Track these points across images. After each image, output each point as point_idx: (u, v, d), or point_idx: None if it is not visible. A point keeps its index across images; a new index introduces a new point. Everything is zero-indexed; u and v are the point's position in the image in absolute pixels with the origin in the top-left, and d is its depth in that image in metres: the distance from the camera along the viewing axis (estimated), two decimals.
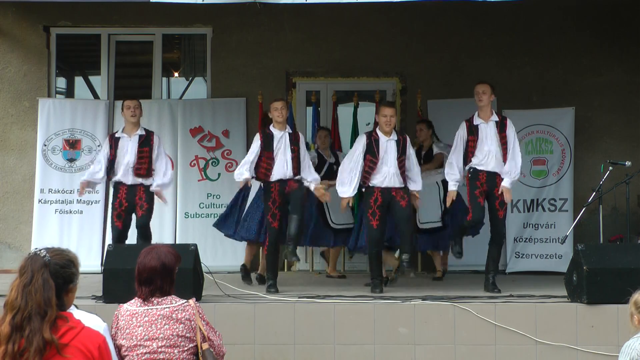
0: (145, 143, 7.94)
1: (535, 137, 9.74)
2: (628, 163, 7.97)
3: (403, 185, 7.46)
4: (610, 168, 7.78)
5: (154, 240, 7.92)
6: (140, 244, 7.31)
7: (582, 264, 6.38)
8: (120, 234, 7.87)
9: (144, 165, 7.88)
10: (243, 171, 7.50)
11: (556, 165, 9.66)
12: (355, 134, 9.56)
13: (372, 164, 7.39)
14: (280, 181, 7.54)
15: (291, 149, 7.57)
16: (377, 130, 7.53)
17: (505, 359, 6.34)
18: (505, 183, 7.39)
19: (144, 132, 8.01)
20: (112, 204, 8.01)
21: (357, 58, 10.11)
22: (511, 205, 9.51)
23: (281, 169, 7.54)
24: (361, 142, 7.53)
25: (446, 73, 10.02)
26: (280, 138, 7.60)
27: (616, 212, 9.30)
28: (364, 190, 7.54)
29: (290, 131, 7.68)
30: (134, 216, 7.94)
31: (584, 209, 7.92)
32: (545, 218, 9.58)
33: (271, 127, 7.66)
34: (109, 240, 9.26)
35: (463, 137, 7.55)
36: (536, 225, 9.59)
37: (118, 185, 7.92)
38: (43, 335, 2.61)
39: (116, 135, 8.03)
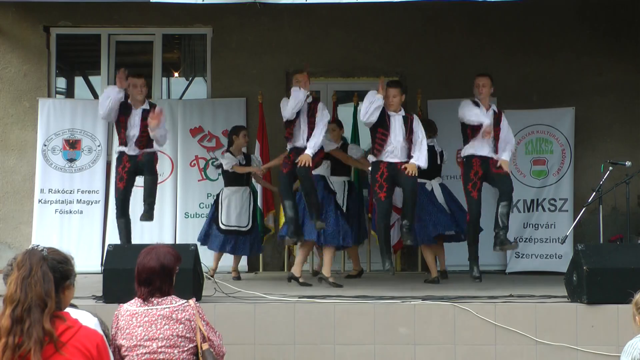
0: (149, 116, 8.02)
1: (535, 137, 9.74)
2: (628, 163, 7.96)
3: (404, 159, 7.57)
4: (610, 168, 7.78)
5: (153, 240, 7.93)
6: (141, 244, 7.31)
7: (582, 264, 6.38)
8: (123, 197, 7.95)
9: (145, 137, 8.00)
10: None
11: (556, 165, 9.66)
12: (355, 134, 9.58)
13: (383, 136, 7.53)
14: (295, 149, 7.72)
15: (308, 120, 7.70)
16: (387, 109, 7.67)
17: (505, 359, 6.34)
18: (505, 157, 7.67)
19: (147, 107, 8.08)
20: (116, 170, 8.07)
21: (357, 58, 10.11)
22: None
23: (299, 137, 7.75)
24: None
25: (446, 73, 10.01)
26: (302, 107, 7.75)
27: (616, 212, 9.30)
28: (369, 169, 7.67)
29: (310, 100, 7.79)
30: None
31: (584, 209, 7.92)
32: (545, 218, 9.58)
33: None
34: (109, 240, 9.28)
35: (472, 107, 7.70)
36: (536, 225, 9.59)
37: (122, 155, 8.02)
38: (43, 326, 2.62)
39: (128, 101, 8.03)
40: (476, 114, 7.63)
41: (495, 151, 7.77)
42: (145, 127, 7.95)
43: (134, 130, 7.98)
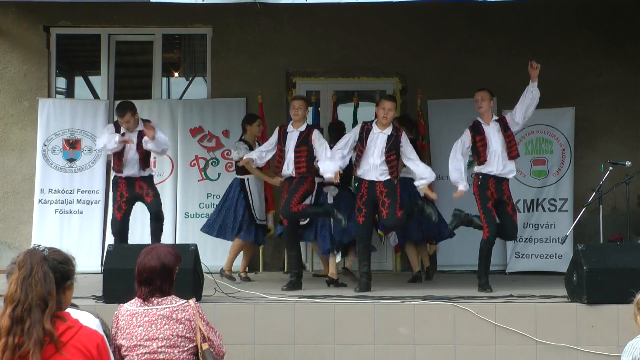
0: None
1: (535, 137, 9.74)
2: (628, 163, 7.96)
3: (389, 179, 7.50)
4: (610, 168, 7.78)
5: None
6: (141, 245, 7.31)
7: (582, 264, 6.38)
8: (120, 228, 7.96)
9: (148, 156, 8.06)
10: (253, 155, 7.87)
11: (556, 165, 9.65)
12: None
13: (359, 152, 7.58)
14: (289, 178, 7.74)
15: (296, 149, 7.66)
16: (374, 123, 7.65)
17: (505, 359, 6.34)
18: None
19: (141, 127, 8.05)
20: (113, 197, 8.12)
21: (357, 58, 10.11)
22: None
23: (286, 167, 7.74)
24: (355, 129, 7.76)
25: (446, 73, 10.01)
26: (291, 136, 7.77)
27: (616, 212, 9.30)
28: (356, 185, 7.72)
29: (303, 129, 7.75)
30: (133, 213, 8.16)
31: (584, 209, 7.92)
32: (545, 218, 9.57)
33: (289, 124, 7.90)
34: (109, 240, 9.28)
35: (465, 143, 7.59)
36: (536, 225, 9.59)
37: (117, 179, 8.03)
38: (43, 326, 2.62)
39: (122, 131, 8.04)
40: (452, 170, 7.56)
41: (509, 158, 7.54)
42: (141, 148, 7.95)
43: (131, 152, 7.96)
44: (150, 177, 8.19)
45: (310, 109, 9.91)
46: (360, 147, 7.55)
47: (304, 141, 7.70)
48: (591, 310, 6.34)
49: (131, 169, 7.98)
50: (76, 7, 9.92)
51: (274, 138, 7.92)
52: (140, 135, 7.98)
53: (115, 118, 8.22)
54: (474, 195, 7.59)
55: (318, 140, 7.75)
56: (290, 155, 7.69)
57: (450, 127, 9.14)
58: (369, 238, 7.66)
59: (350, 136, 7.67)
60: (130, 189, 7.97)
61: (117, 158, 7.99)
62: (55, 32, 10.30)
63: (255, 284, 8.17)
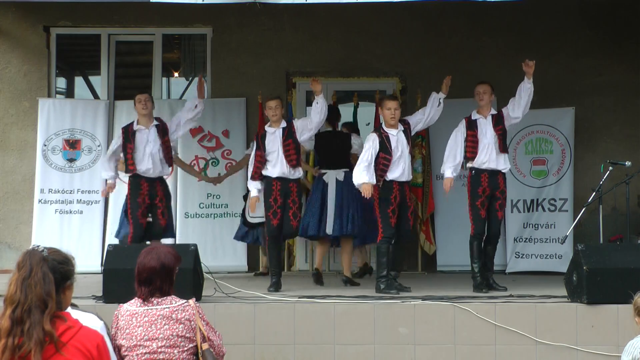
0: (165, 132, 7.97)
1: (535, 137, 9.74)
2: (628, 163, 7.96)
3: (411, 177, 7.56)
4: (610, 168, 7.78)
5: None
6: (141, 244, 7.31)
7: (582, 264, 6.38)
8: (143, 232, 7.85)
9: (169, 153, 7.97)
10: (252, 188, 7.71)
11: (556, 165, 9.65)
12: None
13: (386, 161, 7.29)
14: (281, 179, 7.58)
15: (284, 144, 7.59)
16: (384, 127, 7.46)
17: (505, 359, 6.34)
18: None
19: (158, 122, 8.01)
20: (134, 199, 7.81)
21: (357, 58, 10.11)
22: (511, 205, 9.50)
23: (279, 166, 7.60)
24: (372, 140, 7.42)
25: (446, 73, 9.94)
26: (274, 135, 7.66)
27: (616, 212, 9.30)
28: (380, 185, 7.36)
29: (284, 126, 7.70)
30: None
31: (584, 209, 7.92)
32: (545, 218, 9.57)
33: (266, 127, 7.78)
34: (109, 240, 9.29)
35: (462, 134, 7.61)
36: (536, 225, 9.59)
37: (138, 179, 7.84)
38: (43, 327, 2.62)
39: (133, 128, 7.92)
40: (449, 167, 7.58)
41: (501, 151, 7.53)
42: (166, 144, 7.87)
43: (150, 147, 7.81)
44: (165, 183, 8.09)
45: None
46: (385, 155, 7.27)
47: (290, 135, 7.64)
48: (591, 310, 6.34)
49: (150, 165, 7.82)
50: (76, 7, 9.92)
51: (253, 149, 7.79)
52: (158, 129, 7.92)
53: (118, 123, 8.21)
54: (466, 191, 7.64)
55: (302, 121, 7.80)
56: (279, 153, 7.57)
57: (450, 127, 9.12)
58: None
59: (370, 152, 7.31)
60: (151, 193, 7.83)
61: (131, 156, 7.81)
62: (55, 32, 10.30)
63: (255, 283, 8.17)
